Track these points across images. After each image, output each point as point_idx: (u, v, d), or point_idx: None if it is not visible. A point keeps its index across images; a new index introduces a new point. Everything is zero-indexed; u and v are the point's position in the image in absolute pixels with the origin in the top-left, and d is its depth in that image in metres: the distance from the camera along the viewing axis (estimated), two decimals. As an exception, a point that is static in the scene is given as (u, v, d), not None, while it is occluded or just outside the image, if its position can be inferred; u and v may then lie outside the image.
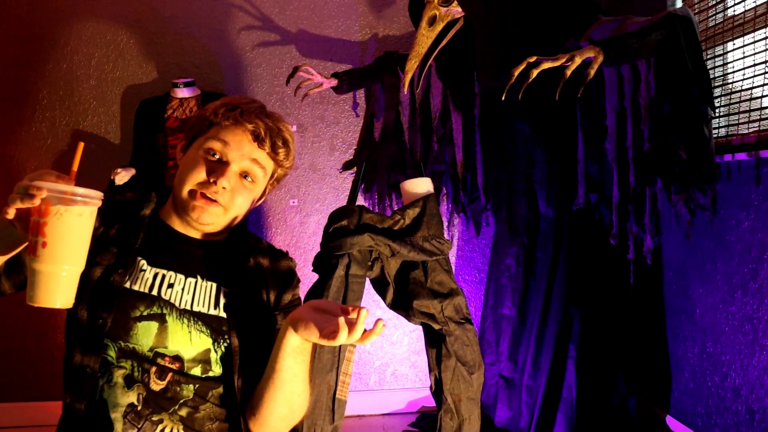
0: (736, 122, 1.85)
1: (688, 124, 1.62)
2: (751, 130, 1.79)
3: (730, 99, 1.89)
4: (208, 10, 2.55)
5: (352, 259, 1.47)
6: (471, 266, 2.74)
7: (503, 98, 1.58)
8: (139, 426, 0.95)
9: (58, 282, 0.78)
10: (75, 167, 0.83)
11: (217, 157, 1.04)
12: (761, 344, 1.72)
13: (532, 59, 1.53)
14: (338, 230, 1.48)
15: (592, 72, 1.51)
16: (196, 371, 1.01)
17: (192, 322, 1.01)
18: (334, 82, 2.28)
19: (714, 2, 1.96)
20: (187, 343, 1.00)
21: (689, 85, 1.59)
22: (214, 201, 1.03)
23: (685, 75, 1.58)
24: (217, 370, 1.03)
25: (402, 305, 1.51)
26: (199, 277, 1.05)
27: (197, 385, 1.01)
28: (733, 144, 1.83)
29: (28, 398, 2.49)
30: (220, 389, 1.03)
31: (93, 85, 2.50)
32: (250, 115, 1.05)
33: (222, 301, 1.05)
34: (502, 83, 1.60)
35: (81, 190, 0.78)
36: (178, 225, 1.08)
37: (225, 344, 1.03)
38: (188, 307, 1.02)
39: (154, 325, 0.99)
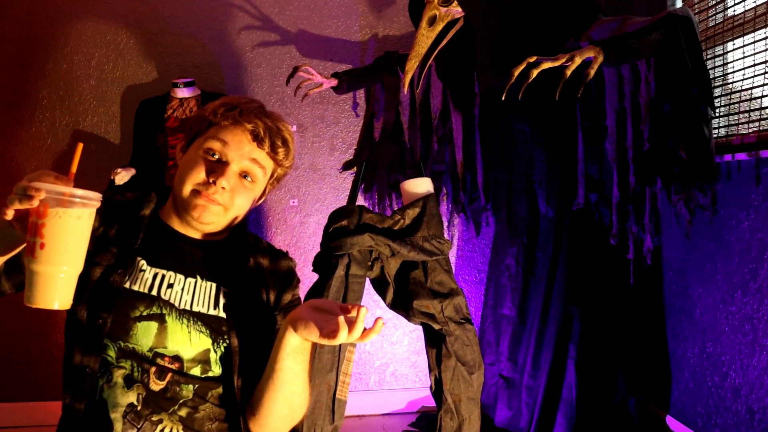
0: (736, 122, 1.85)
1: (688, 124, 1.61)
2: (751, 130, 1.78)
3: (730, 99, 1.89)
4: (208, 10, 2.55)
5: (352, 259, 1.47)
6: (471, 266, 2.74)
7: (503, 98, 1.58)
8: (139, 426, 0.95)
9: (56, 283, 0.78)
10: (74, 168, 0.83)
11: (216, 157, 1.04)
12: (761, 344, 1.71)
13: (532, 59, 1.53)
14: (338, 230, 1.48)
15: (592, 72, 1.50)
16: (196, 371, 1.01)
17: (191, 322, 1.01)
18: (334, 82, 2.28)
19: (714, 2, 1.96)
20: (187, 343, 1.00)
21: (689, 85, 1.58)
22: (214, 200, 1.03)
23: (685, 75, 1.58)
24: (216, 370, 1.03)
25: (402, 305, 1.51)
26: (198, 277, 1.05)
27: (197, 385, 1.01)
28: (733, 144, 1.83)
29: (28, 398, 2.49)
30: (220, 389, 1.03)
31: (93, 85, 2.50)
32: (250, 114, 1.05)
33: (222, 301, 1.05)
34: (502, 83, 1.60)
35: (80, 192, 0.78)
36: (177, 225, 1.08)
37: (224, 344, 1.03)
38: (188, 307, 1.02)
39: (153, 326, 0.99)
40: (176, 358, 0.99)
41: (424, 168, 2.25)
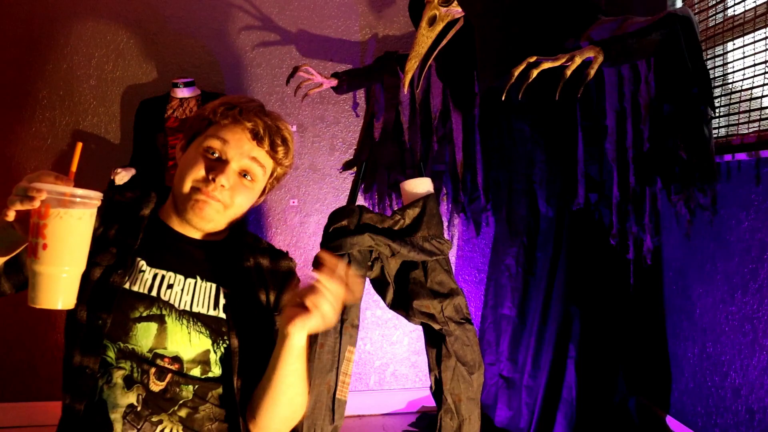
0: (736, 122, 1.85)
1: (688, 124, 1.61)
2: (751, 130, 1.78)
3: (730, 99, 1.89)
4: (208, 10, 2.55)
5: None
6: (471, 266, 2.74)
7: (503, 98, 1.58)
8: (139, 427, 0.95)
9: (59, 283, 0.79)
10: (74, 168, 0.82)
11: (216, 155, 1.04)
12: (761, 344, 1.71)
13: (532, 59, 1.53)
14: (338, 230, 1.48)
15: (592, 72, 1.50)
16: (196, 372, 1.01)
17: (191, 322, 1.01)
18: (334, 82, 2.28)
19: (714, 2, 1.96)
20: (187, 343, 1.00)
21: (689, 85, 1.58)
22: (214, 197, 1.03)
23: (685, 75, 1.58)
24: (216, 370, 1.03)
25: (402, 305, 1.51)
26: (198, 277, 1.05)
27: (197, 386, 1.01)
28: (733, 144, 1.83)
29: (28, 398, 2.49)
30: (220, 390, 1.03)
31: (93, 85, 2.50)
32: (249, 113, 1.05)
33: (221, 301, 1.05)
34: (502, 83, 1.60)
35: (80, 191, 0.78)
36: (177, 225, 1.08)
37: (224, 345, 1.03)
38: (187, 308, 1.02)
39: (153, 326, 0.99)
40: (176, 359, 0.99)
41: (424, 168, 2.25)
